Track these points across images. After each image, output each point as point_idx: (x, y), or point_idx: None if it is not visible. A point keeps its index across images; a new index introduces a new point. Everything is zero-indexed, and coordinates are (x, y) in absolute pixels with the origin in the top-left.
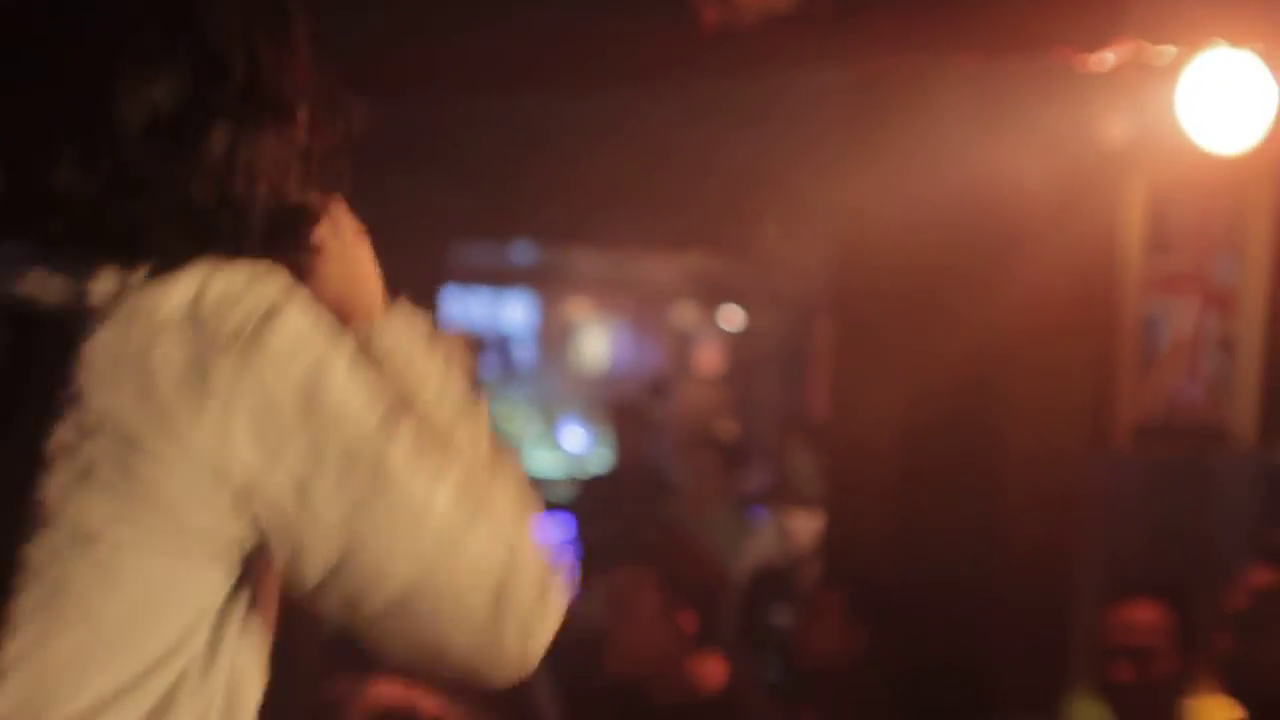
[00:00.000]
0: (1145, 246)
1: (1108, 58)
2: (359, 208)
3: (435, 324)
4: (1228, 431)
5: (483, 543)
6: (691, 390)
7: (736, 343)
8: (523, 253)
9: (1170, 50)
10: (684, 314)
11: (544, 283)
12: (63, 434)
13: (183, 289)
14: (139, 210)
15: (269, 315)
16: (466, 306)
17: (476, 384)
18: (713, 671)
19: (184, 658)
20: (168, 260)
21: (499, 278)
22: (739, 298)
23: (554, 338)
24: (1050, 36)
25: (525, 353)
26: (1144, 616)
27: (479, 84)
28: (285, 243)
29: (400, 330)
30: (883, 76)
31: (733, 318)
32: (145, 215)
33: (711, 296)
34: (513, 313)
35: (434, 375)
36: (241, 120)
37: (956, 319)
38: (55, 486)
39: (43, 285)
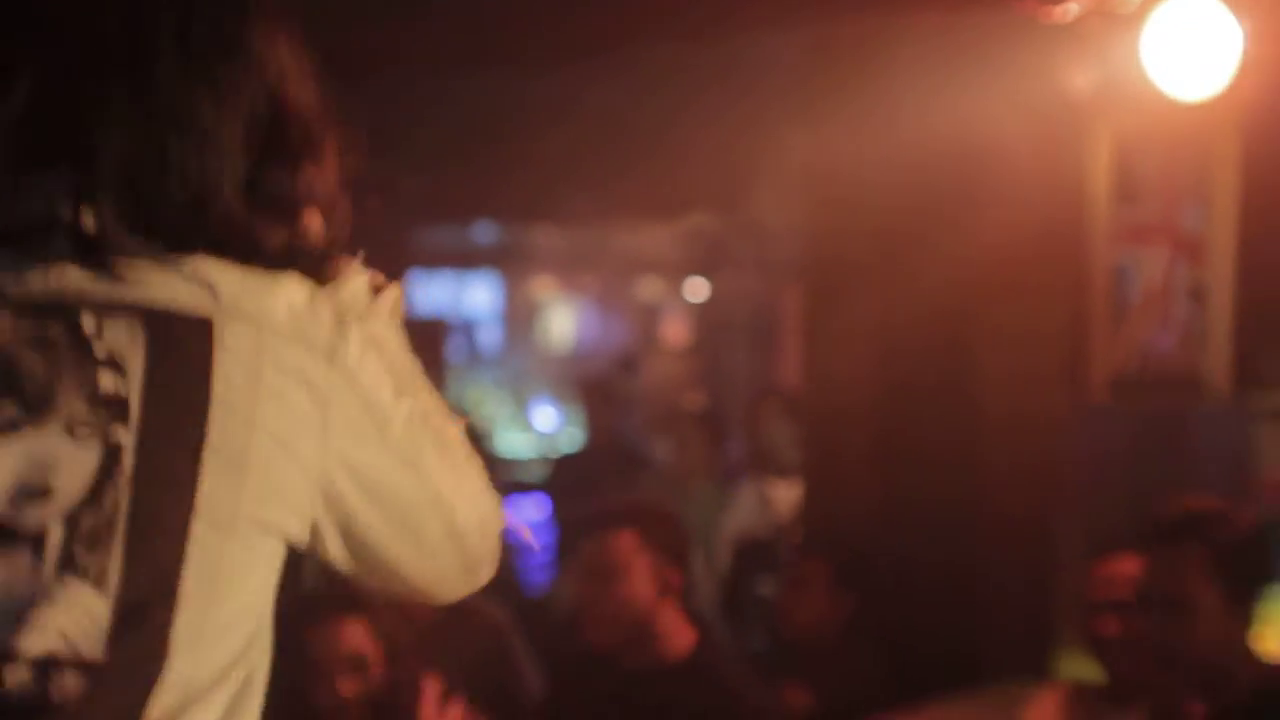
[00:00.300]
0: (1113, 197)
1: (1071, 8)
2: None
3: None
4: (1202, 382)
5: (459, 498)
6: (660, 364)
7: (703, 314)
8: (484, 233)
9: None
10: (649, 288)
11: (507, 263)
12: (218, 429)
13: (284, 296)
14: (241, 222)
15: (343, 327)
16: (430, 290)
17: (444, 366)
18: (683, 636)
19: (265, 631)
20: (264, 267)
21: (462, 260)
22: (704, 268)
23: (520, 318)
24: None
25: (492, 334)
26: (1127, 570)
27: (440, 63)
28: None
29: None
30: (841, 36)
31: (698, 289)
32: (247, 228)
33: (677, 269)
34: (477, 295)
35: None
36: (301, 157)
37: (926, 278)
38: (215, 476)
39: (174, 289)
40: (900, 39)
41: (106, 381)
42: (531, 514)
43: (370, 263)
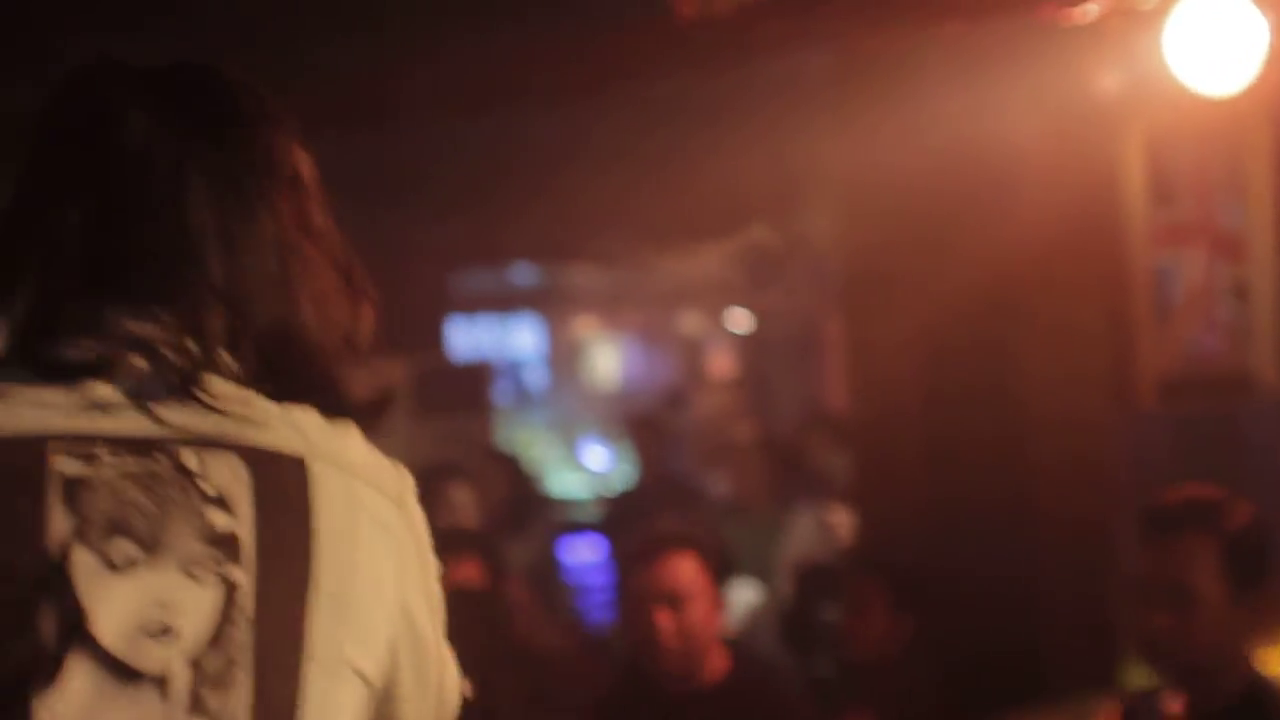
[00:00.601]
0: (1148, 198)
1: (1090, 9)
2: (351, 246)
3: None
4: (1251, 379)
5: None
6: (708, 397)
7: (747, 344)
8: (524, 275)
9: None
10: (691, 322)
11: (548, 304)
12: (324, 570)
13: (355, 441)
14: (324, 366)
15: (403, 472)
16: (473, 335)
17: (490, 409)
18: (721, 659)
19: None
20: (340, 411)
21: (503, 303)
22: (745, 296)
23: (564, 358)
24: None
25: (537, 376)
26: None
27: (462, 105)
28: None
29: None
30: (867, 50)
31: (740, 320)
32: (327, 369)
33: (717, 301)
34: (521, 337)
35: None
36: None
37: (965, 287)
38: (322, 618)
39: (270, 429)
40: (923, 53)
41: (218, 519)
42: (587, 554)
43: (409, 310)
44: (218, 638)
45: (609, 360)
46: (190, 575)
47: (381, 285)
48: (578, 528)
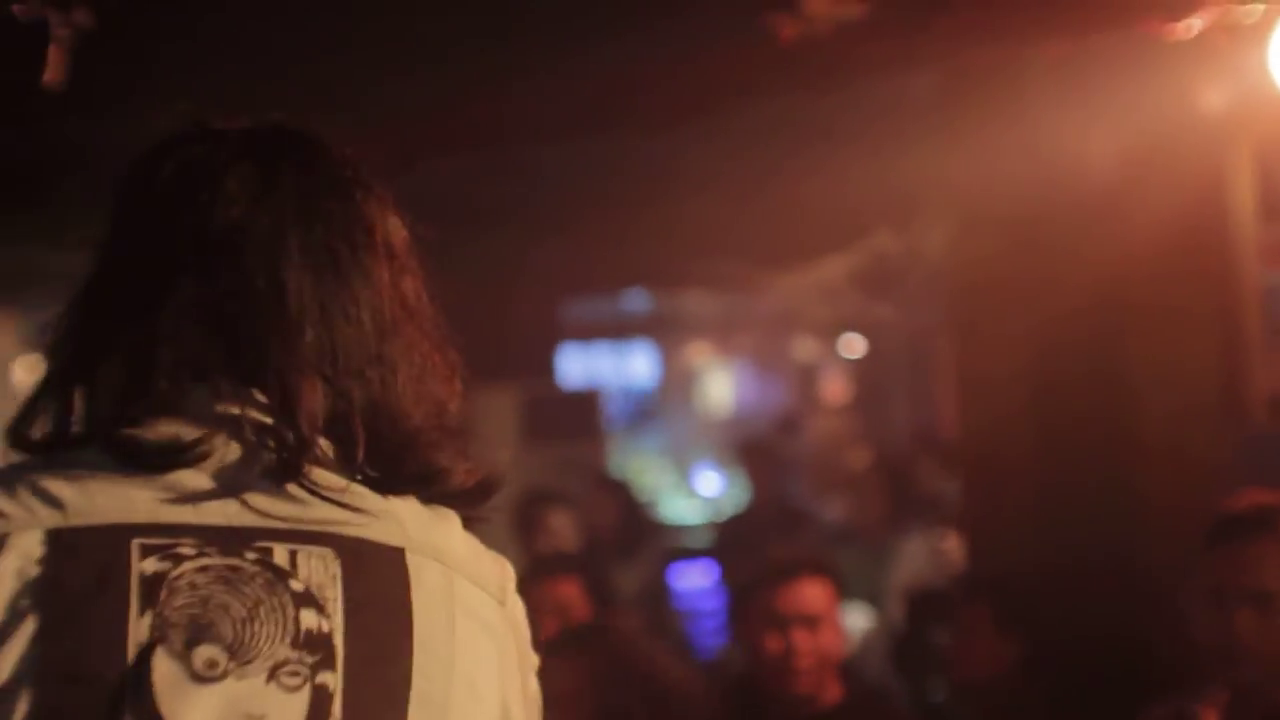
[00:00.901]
0: (1256, 214)
1: (1194, 24)
2: (461, 274)
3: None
4: None
5: None
6: (821, 423)
7: (861, 368)
8: (637, 302)
9: (1258, 8)
10: (804, 347)
11: (661, 331)
12: (421, 673)
13: (456, 534)
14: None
15: (507, 577)
16: (586, 362)
17: (601, 436)
18: (835, 684)
19: None
20: (441, 499)
21: (617, 330)
22: (857, 321)
23: (678, 384)
24: (1133, 9)
25: (651, 402)
26: None
27: (565, 129)
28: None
29: None
30: (971, 68)
31: (853, 345)
32: (430, 462)
33: (831, 325)
34: (634, 364)
35: None
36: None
37: (1074, 306)
38: (411, 713)
39: (365, 520)
40: (1026, 70)
41: (309, 620)
42: (699, 579)
43: (520, 338)
44: None
45: (722, 386)
46: (278, 682)
47: (492, 312)
48: (689, 554)
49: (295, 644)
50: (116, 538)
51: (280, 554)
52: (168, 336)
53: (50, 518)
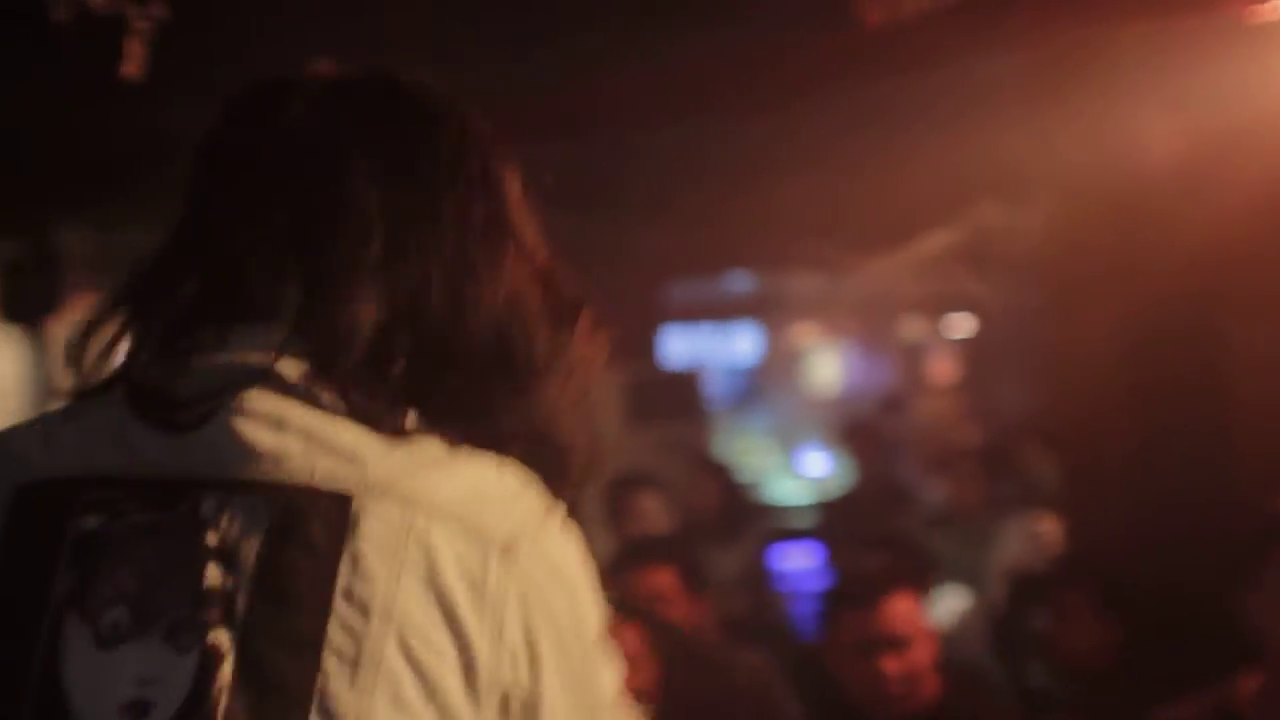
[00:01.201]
0: None
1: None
2: (562, 257)
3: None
4: None
5: None
6: (927, 403)
7: (968, 349)
8: (741, 282)
9: None
10: (912, 327)
11: (766, 311)
12: (348, 620)
13: (456, 478)
14: (424, 385)
15: (538, 531)
16: (690, 343)
17: (703, 417)
18: (933, 682)
19: None
20: (441, 442)
21: (721, 311)
22: (963, 300)
23: (782, 364)
24: None
25: (755, 383)
26: None
27: (655, 114)
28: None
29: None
30: (1060, 51)
31: (961, 325)
32: (431, 391)
33: (936, 304)
34: (739, 344)
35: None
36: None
37: (1170, 287)
38: (339, 676)
39: (314, 464)
40: (1122, 48)
41: (213, 576)
42: (803, 560)
43: (622, 320)
44: (193, 711)
45: (827, 366)
46: (174, 643)
47: (595, 294)
48: (793, 535)
49: (195, 603)
50: (65, 491)
51: (207, 506)
52: (221, 267)
53: (20, 472)
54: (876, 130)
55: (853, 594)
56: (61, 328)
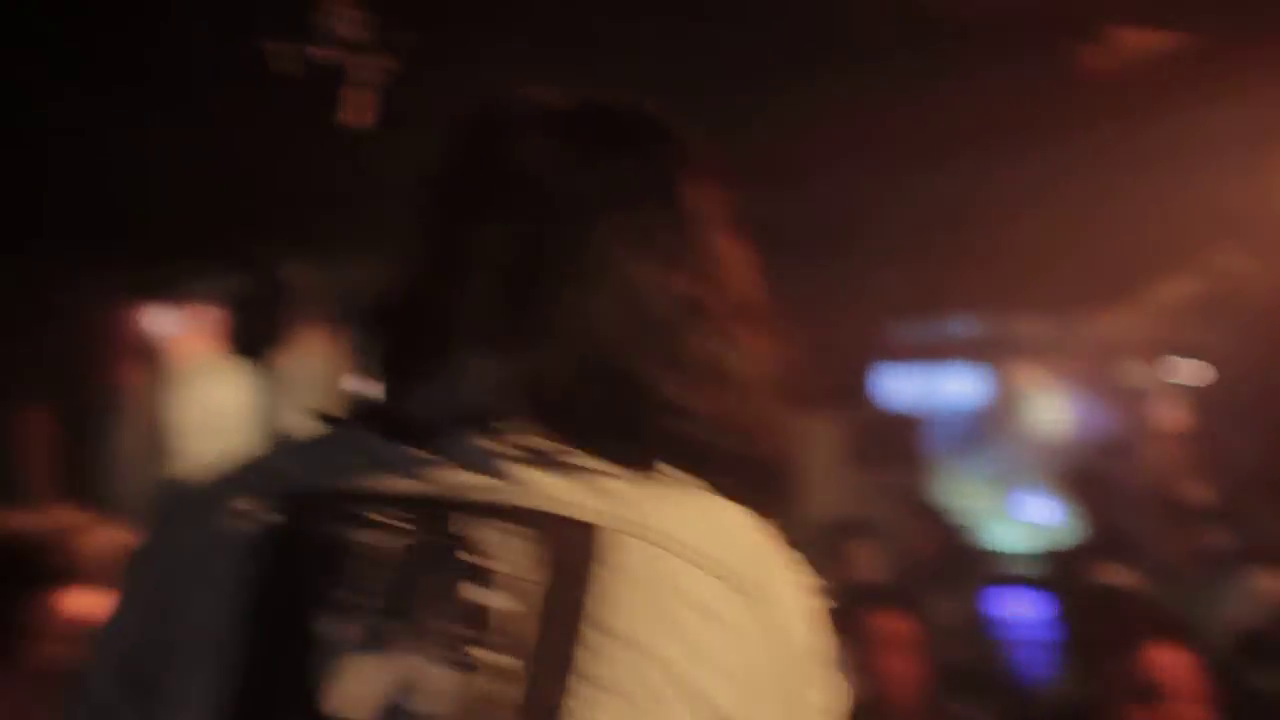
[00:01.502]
0: None
1: None
2: (787, 296)
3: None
4: None
5: None
6: (1155, 450)
7: (1202, 397)
8: (963, 324)
9: None
10: (1139, 373)
11: (988, 352)
12: (588, 655)
13: (685, 513)
14: (663, 427)
15: (774, 570)
16: (910, 385)
17: (918, 461)
18: None
19: None
20: (679, 479)
21: (941, 352)
22: (1198, 350)
23: (1006, 408)
24: None
25: (978, 426)
26: None
27: (882, 160)
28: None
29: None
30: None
31: (1189, 371)
32: (672, 431)
33: (1166, 350)
34: (960, 386)
35: None
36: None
37: None
38: (584, 710)
39: (569, 496)
40: None
41: (477, 595)
42: (1023, 609)
43: (845, 358)
44: None
45: (1051, 410)
46: (437, 656)
47: (817, 336)
48: (1014, 581)
49: (461, 620)
50: (324, 503)
51: (460, 526)
52: (460, 302)
53: (280, 485)
54: (1103, 175)
55: (1112, 639)
56: (287, 359)
